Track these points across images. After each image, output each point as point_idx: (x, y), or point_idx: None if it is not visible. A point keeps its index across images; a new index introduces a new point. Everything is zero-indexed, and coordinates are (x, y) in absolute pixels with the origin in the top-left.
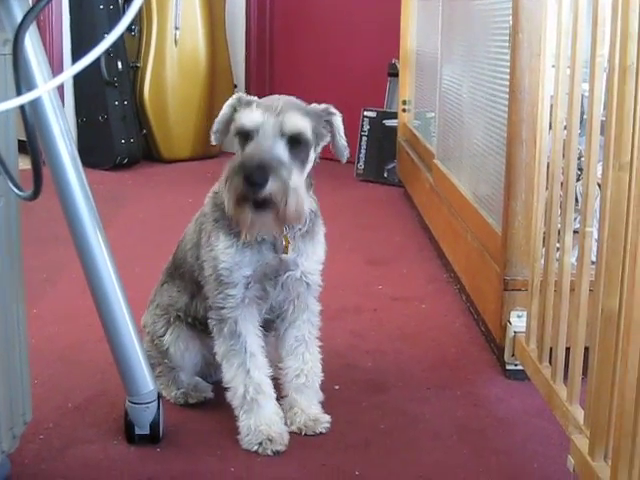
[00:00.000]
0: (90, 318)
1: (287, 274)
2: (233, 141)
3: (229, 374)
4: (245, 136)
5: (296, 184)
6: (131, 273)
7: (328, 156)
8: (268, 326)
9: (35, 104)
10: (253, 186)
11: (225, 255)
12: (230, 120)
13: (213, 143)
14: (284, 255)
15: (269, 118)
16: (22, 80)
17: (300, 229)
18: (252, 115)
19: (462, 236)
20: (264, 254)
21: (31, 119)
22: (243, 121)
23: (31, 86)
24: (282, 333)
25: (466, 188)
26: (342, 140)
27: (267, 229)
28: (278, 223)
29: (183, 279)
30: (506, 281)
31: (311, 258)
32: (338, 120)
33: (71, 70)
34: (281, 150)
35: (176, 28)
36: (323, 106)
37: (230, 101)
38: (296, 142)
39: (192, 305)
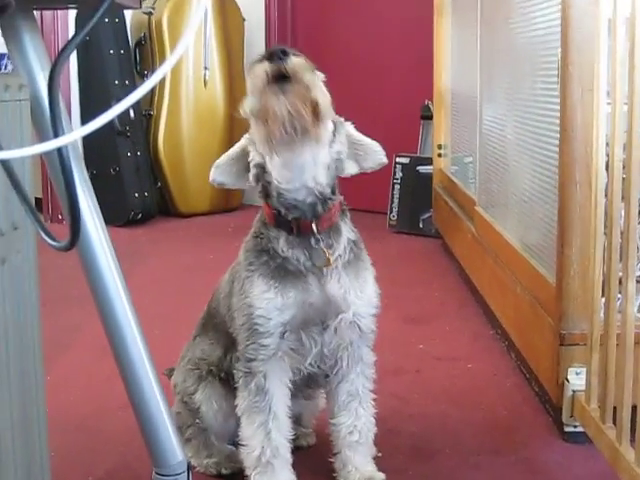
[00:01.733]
0: (108, 384)
1: (339, 317)
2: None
3: (248, 431)
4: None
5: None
6: (150, 335)
7: (358, 206)
8: (314, 382)
9: (56, 153)
10: (276, 59)
11: (261, 301)
12: (242, 157)
13: (210, 179)
14: (331, 292)
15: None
16: (58, 120)
17: (341, 255)
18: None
19: (510, 288)
20: (308, 292)
21: (68, 161)
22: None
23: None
24: (334, 388)
25: (513, 236)
26: (366, 140)
27: (297, 112)
28: (306, 107)
29: (217, 330)
30: (562, 335)
31: (361, 297)
32: (350, 128)
33: (99, 120)
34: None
35: (205, 68)
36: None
37: (243, 142)
38: None
39: (226, 360)
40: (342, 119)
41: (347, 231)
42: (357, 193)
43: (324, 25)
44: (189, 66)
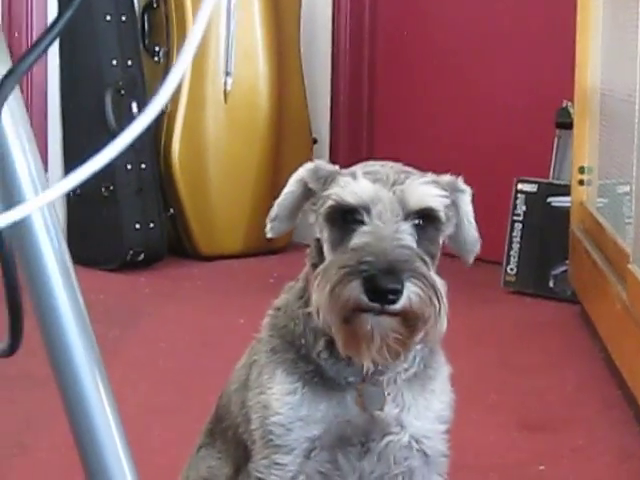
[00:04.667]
0: None
1: (386, 439)
2: (316, 228)
3: None
4: (345, 218)
5: (441, 286)
6: (147, 438)
7: (452, 252)
8: None
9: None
10: (382, 298)
11: (281, 404)
12: (300, 201)
13: (269, 236)
14: (379, 412)
15: (383, 190)
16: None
17: (406, 369)
18: (358, 186)
19: None
20: (347, 407)
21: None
22: (344, 195)
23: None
24: None
25: None
26: (472, 229)
27: (393, 347)
28: (410, 339)
29: (225, 439)
30: None
31: (424, 414)
32: (467, 199)
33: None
34: (409, 238)
35: (227, 74)
36: (447, 178)
37: (300, 173)
38: (426, 224)
39: None
40: (466, 189)
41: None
42: None
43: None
44: (220, 41)
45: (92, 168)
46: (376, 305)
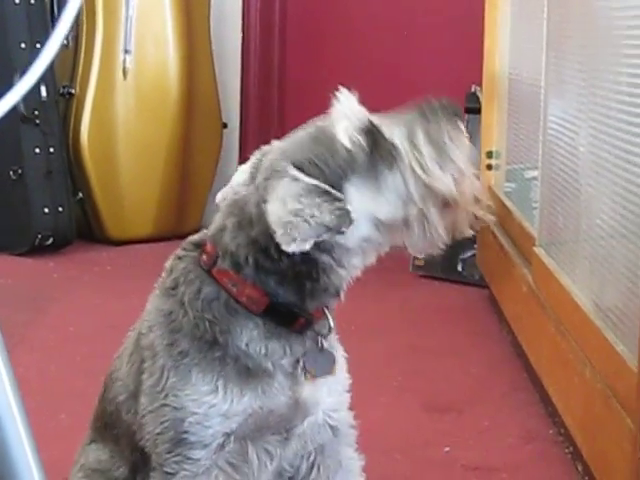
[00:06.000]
0: None
1: (307, 421)
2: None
3: None
4: None
5: None
6: (54, 422)
7: None
8: None
9: None
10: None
11: (199, 404)
12: None
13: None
14: (304, 394)
15: None
16: None
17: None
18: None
19: (577, 370)
20: (270, 396)
21: None
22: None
23: None
24: None
25: (583, 294)
26: None
27: None
28: None
29: (118, 443)
30: None
31: (334, 388)
32: None
33: None
34: None
35: (126, 52)
36: None
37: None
38: None
39: None
40: None
41: None
42: None
43: None
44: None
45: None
46: None
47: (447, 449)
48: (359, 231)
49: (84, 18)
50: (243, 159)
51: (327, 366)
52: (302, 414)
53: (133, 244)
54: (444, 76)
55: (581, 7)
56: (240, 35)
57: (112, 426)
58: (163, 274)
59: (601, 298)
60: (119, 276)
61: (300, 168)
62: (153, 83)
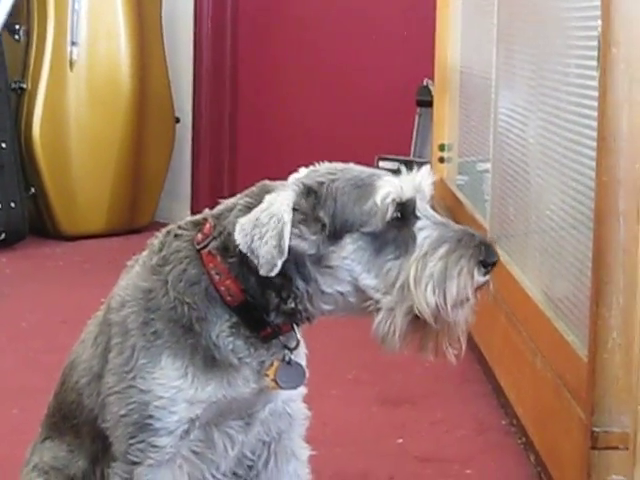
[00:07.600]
0: None
1: (267, 408)
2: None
3: None
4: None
5: None
6: (6, 416)
7: None
8: None
9: None
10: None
11: (166, 388)
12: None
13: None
14: (265, 383)
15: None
16: None
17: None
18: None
19: (528, 360)
20: (237, 386)
21: None
22: (404, 191)
23: None
24: None
25: (533, 284)
26: None
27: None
28: None
29: (78, 434)
30: (595, 434)
31: None
32: None
33: None
34: None
35: (72, 44)
36: None
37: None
38: None
39: (95, 475)
40: None
41: None
42: None
43: None
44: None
45: None
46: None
47: (400, 441)
48: (338, 283)
49: (35, 11)
50: (195, 154)
51: (298, 379)
52: (264, 400)
53: (86, 239)
54: (397, 70)
55: (529, 3)
56: (192, 30)
57: (72, 416)
58: (146, 251)
59: (551, 289)
60: (72, 271)
61: (309, 192)
62: (105, 77)
